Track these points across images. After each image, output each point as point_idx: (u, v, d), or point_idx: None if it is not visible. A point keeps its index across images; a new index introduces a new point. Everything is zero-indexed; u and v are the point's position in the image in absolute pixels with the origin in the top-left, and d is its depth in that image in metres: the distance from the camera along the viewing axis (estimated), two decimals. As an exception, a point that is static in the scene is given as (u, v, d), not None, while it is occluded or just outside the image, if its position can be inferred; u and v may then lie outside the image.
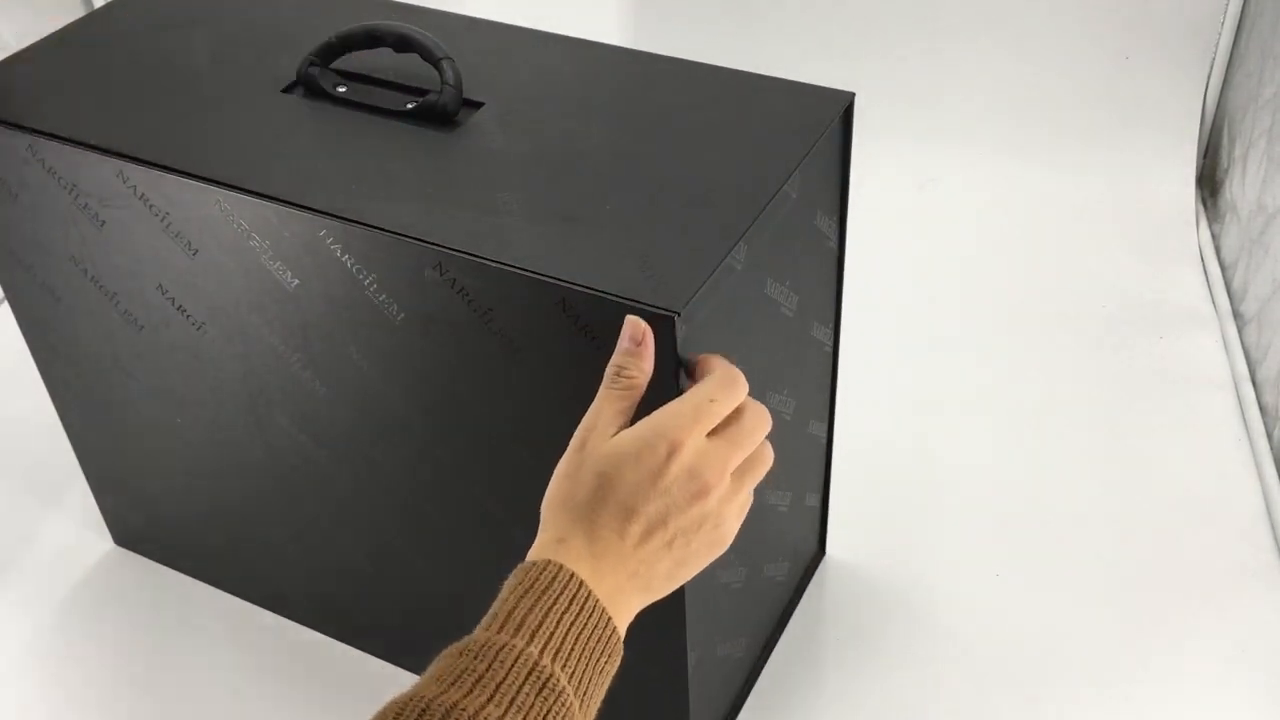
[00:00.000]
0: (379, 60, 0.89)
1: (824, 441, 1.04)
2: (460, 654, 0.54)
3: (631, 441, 0.61)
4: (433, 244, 0.72)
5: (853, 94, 0.84)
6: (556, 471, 0.63)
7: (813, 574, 1.12)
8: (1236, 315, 1.39)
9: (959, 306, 1.43)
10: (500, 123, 0.84)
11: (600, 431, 0.63)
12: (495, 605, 0.57)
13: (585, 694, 0.56)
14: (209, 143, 0.82)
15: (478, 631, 0.56)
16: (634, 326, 0.66)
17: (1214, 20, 1.54)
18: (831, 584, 1.11)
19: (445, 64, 0.83)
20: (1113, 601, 1.08)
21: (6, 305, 1.49)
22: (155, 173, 0.79)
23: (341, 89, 0.87)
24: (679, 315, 0.66)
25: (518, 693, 0.53)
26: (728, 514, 0.63)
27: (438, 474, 0.86)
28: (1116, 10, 1.56)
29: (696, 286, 0.68)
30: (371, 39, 0.85)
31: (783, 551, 1.02)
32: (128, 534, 1.15)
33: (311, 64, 0.86)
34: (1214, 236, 1.53)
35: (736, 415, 0.64)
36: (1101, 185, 1.59)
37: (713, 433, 0.63)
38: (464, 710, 0.50)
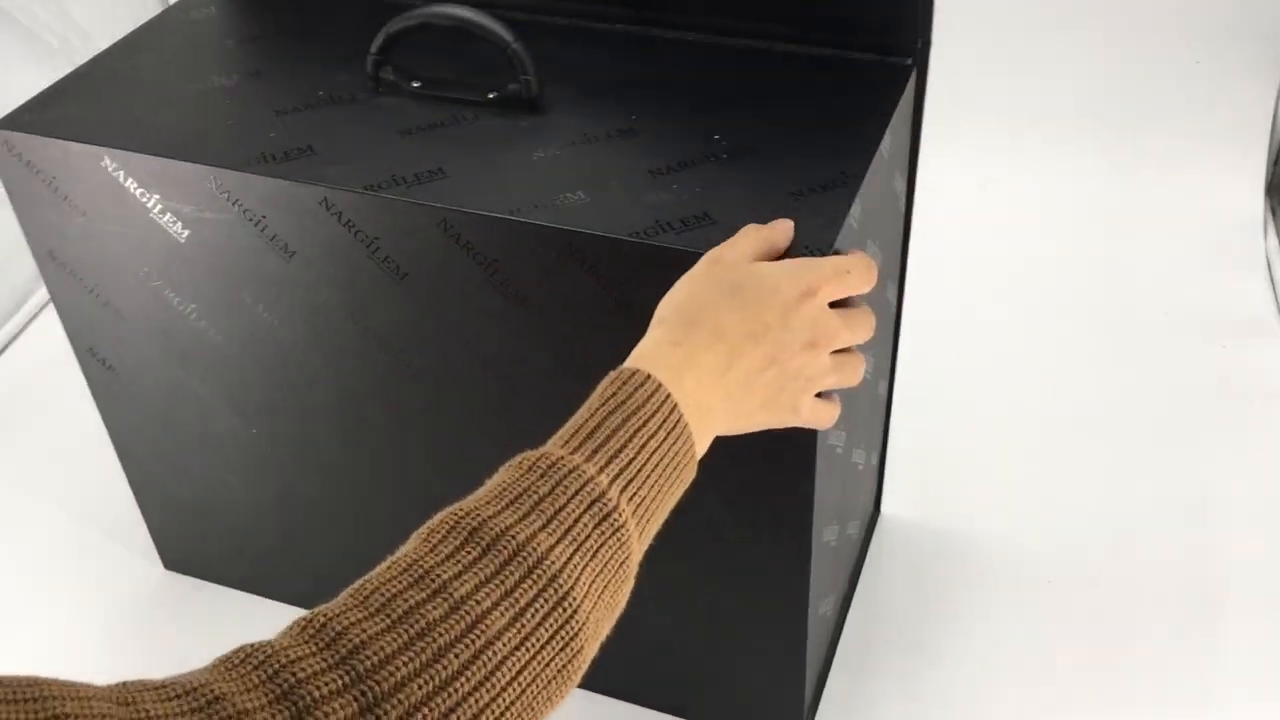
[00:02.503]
0: (425, 54, 0.89)
1: (886, 402, 1.07)
2: (529, 469, 0.52)
3: (773, 270, 0.62)
4: (593, 232, 0.73)
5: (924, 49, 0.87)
6: (683, 279, 0.63)
7: (872, 533, 1.15)
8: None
9: (1016, 307, 1.41)
10: (577, 105, 0.84)
11: (738, 254, 0.64)
12: (581, 414, 0.56)
13: (647, 520, 0.55)
14: (304, 144, 0.81)
15: (552, 444, 0.54)
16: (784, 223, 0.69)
17: (1285, 26, 1.52)
18: (890, 542, 1.14)
19: (516, 50, 0.83)
20: (1166, 600, 1.08)
21: (38, 328, 1.45)
22: (250, 177, 0.79)
23: (416, 84, 0.86)
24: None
25: (575, 522, 0.50)
26: (816, 381, 0.64)
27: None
28: (1187, 15, 1.53)
29: (831, 241, 0.70)
30: (428, 28, 0.84)
31: (859, 510, 1.04)
32: (177, 556, 1.13)
33: (378, 62, 0.86)
34: (1282, 244, 1.50)
35: (857, 304, 0.67)
36: (1168, 190, 1.56)
37: (833, 305, 0.65)
38: (514, 536, 0.48)
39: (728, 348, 0.60)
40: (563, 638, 0.48)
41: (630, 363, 0.59)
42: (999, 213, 1.57)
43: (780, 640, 0.89)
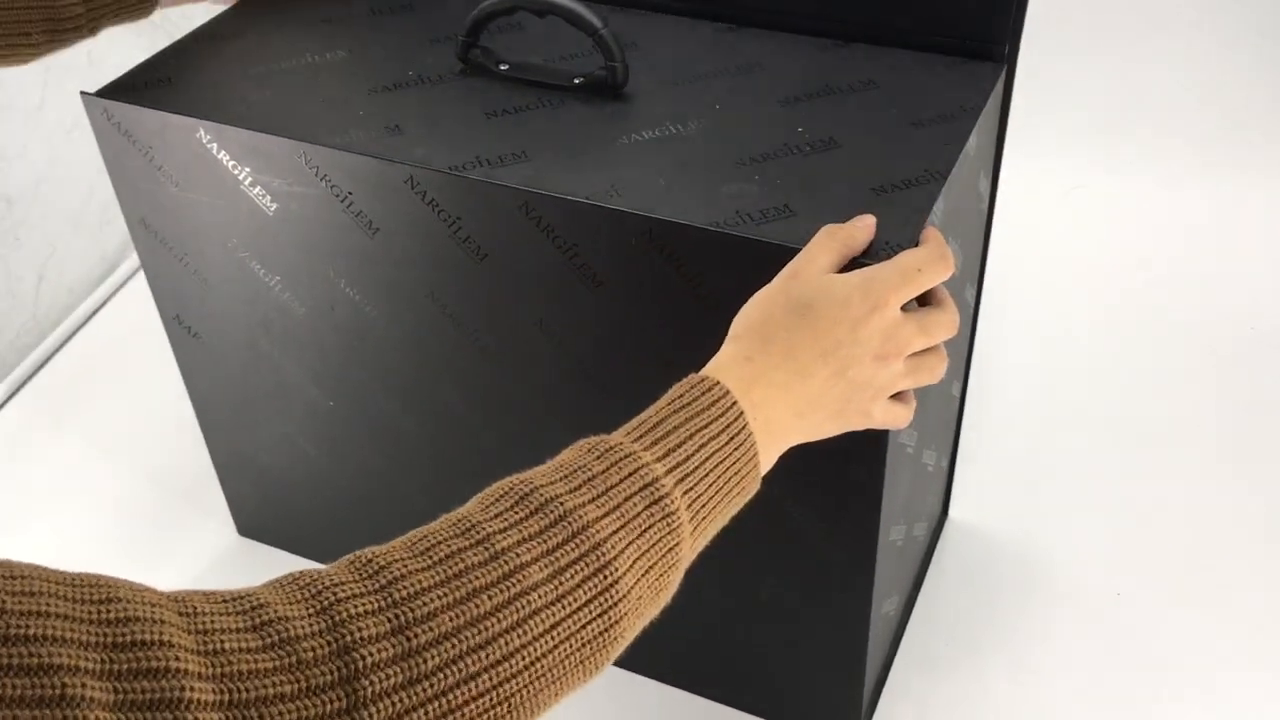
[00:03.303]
0: (513, 37, 0.90)
1: (959, 404, 1.06)
2: (588, 450, 0.54)
3: (843, 285, 0.63)
4: (673, 220, 0.73)
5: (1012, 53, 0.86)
6: (758, 296, 0.65)
7: (939, 536, 1.14)
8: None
9: (1096, 314, 1.39)
10: (661, 93, 0.85)
11: (816, 268, 0.65)
12: (648, 412, 0.58)
13: (704, 519, 0.56)
14: (392, 123, 0.82)
15: (616, 434, 0.56)
16: (865, 219, 0.69)
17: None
18: (956, 546, 1.13)
19: (605, 35, 0.83)
20: (1239, 619, 1.06)
21: (128, 292, 1.50)
22: (338, 153, 0.80)
23: (503, 66, 0.87)
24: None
25: (625, 500, 0.52)
26: (888, 388, 0.64)
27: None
28: (1276, 24, 1.50)
29: (912, 238, 0.70)
30: (518, 10, 0.85)
31: (926, 512, 1.04)
32: (252, 522, 1.16)
33: (467, 44, 0.87)
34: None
35: (936, 303, 0.67)
36: (1254, 202, 1.53)
37: (909, 309, 0.65)
38: (562, 503, 0.50)
39: (799, 366, 0.61)
40: (601, 604, 0.50)
41: (707, 369, 0.61)
42: (1084, 218, 1.54)
43: (843, 637, 0.89)
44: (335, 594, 0.45)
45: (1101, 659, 1.02)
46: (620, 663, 1.00)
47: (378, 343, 0.90)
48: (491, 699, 0.46)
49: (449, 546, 0.48)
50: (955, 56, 0.87)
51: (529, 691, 0.47)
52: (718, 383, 0.58)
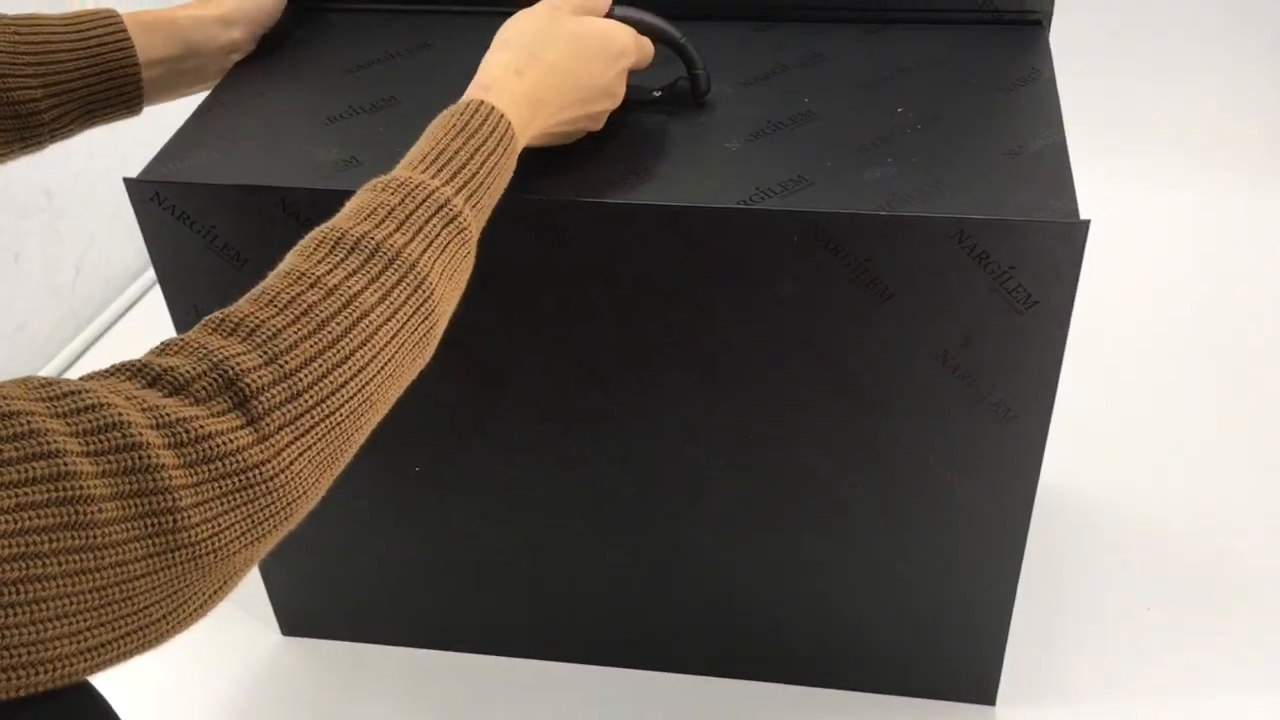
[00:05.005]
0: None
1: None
2: (382, 189, 0.61)
3: (608, 26, 0.76)
4: (842, 211, 0.73)
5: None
6: (529, 12, 0.74)
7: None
8: None
9: (1131, 339, 1.38)
10: (738, 96, 0.84)
11: (572, 4, 0.76)
12: (427, 140, 0.65)
13: (485, 214, 0.66)
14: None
15: (400, 169, 0.63)
16: None
17: None
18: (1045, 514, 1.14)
19: (687, 45, 0.82)
20: None
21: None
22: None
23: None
24: (1089, 221, 0.70)
25: (425, 224, 0.60)
26: (606, 115, 0.79)
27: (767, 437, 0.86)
28: None
29: (1071, 203, 0.72)
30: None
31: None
32: (296, 619, 1.07)
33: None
34: None
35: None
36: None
37: None
38: (373, 238, 0.58)
39: (560, 84, 0.72)
40: (423, 312, 0.59)
41: (476, 90, 0.69)
42: (1117, 239, 1.47)
43: (991, 600, 0.90)
44: (205, 345, 0.51)
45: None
46: (769, 677, 1.00)
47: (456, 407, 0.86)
48: (358, 400, 0.55)
49: (289, 294, 0.55)
50: (993, 25, 0.90)
51: (383, 389, 0.57)
52: (493, 108, 0.67)
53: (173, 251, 0.82)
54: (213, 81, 0.89)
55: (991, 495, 0.85)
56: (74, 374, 1.37)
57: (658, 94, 0.84)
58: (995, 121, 0.80)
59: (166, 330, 1.07)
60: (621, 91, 0.78)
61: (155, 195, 0.79)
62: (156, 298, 1.43)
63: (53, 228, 1.39)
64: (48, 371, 1.41)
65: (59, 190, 1.39)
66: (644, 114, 0.83)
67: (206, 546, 0.48)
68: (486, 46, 0.73)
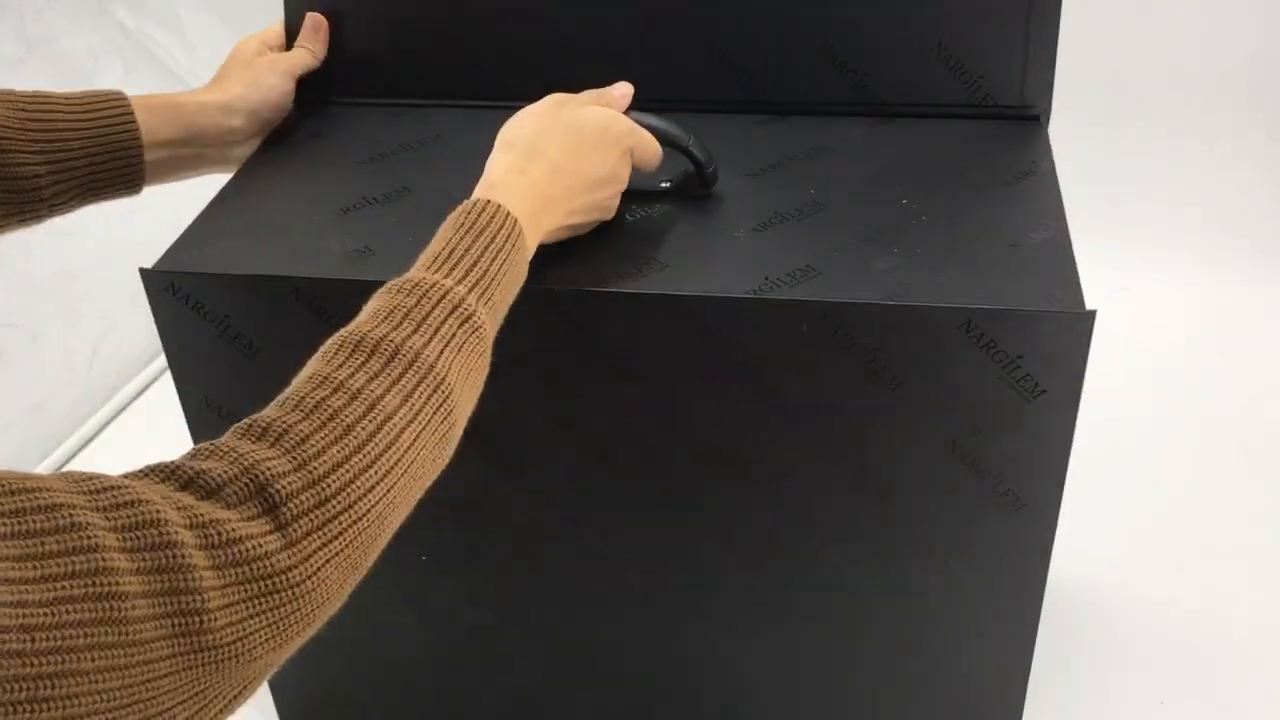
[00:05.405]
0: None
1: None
2: (397, 291, 0.63)
3: (607, 119, 0.77)
4: (853, 301, 0.74)
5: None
6: (528, 111, 0.76)
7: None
8: None
9: (1144, 424, 1.38)
10: (743, 186, 0.86)
11: (579, 99, 0.78)
12: (438, 243, 0.67)
13: (500, 314, 0.67)
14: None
15: (415, 271, 0.65)
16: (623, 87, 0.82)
17: None
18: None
19: (692, 145, 0.84)
20: None
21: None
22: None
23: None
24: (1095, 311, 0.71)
25: (441, 325, 0.61)
26: (615, 202, 0.80)
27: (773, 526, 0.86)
28: None
29: (1077, 292, 0.73)
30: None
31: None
32: (300, 713, 1.06)
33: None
34: None
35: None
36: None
37: None
38: (392, 341, 0.59)
39: (566, 181, 0.74)
40: (443, 412, 0.60)
41: (482, 189, 0.71)
42: (1126, 325, 1.50)
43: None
44: (236, 449, 0.52)
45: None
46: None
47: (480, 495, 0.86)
48: (383, 504, 0.56)
49: (314, 398, 0.56)
50: (993, 120, 0.92)
51: (406, 491, 0.58)
52: (499, 206, 0.68)
53: (185, 340, 0.83)
54: (211, 168, 0.90)
55: (1001, 585, 0.84)
56: (90, 451, 1.41)
57: (666, 185, 0.85)
58: (998, 213, 0.81)
59: (177, 418, 1.08)
60: (626, 174, 0.79)
61: (170, 285, 0.80)
62: (166, 384, 1.45)
63: (74, 310, 1.41)
64: (64, 449, 1.43)
65: (80, 272, 1.41)
66: (653, 205, 0.84)
67: (231, 650, 0.47)
68: (495, 137, 0.75)
